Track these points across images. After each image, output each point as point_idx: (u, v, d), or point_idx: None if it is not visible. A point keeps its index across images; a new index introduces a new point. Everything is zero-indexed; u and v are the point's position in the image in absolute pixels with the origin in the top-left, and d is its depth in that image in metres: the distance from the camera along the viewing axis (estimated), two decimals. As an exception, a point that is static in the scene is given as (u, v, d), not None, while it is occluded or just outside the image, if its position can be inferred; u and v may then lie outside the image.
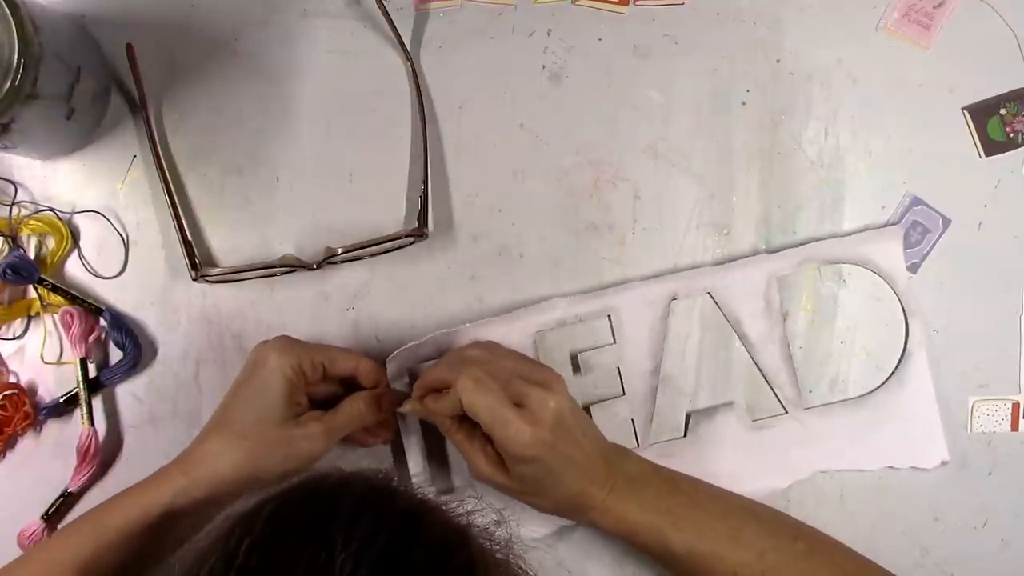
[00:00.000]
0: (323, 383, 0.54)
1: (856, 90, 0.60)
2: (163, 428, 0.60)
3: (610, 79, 0.60)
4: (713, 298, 0.58)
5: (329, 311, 0.60)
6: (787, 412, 0.59)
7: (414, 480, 0.57)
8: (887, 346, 0.59)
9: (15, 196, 0.59)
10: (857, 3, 0.60)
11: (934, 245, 0.59)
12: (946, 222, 0.59)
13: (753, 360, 0.59)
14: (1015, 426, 0.60)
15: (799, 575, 0.50)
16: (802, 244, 0.59)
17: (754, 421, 0.59)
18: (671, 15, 0.60)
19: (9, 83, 0.48)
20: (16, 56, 0.48)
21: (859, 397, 0.59)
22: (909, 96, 0.60)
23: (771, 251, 0.59)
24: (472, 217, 0.60)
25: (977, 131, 0.59)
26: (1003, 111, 0.59)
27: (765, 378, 0.59)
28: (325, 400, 0.54)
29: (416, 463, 0.57)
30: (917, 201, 0.59)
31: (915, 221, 0.59)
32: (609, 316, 0.58)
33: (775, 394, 0.59)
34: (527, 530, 0.57)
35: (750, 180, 0.60)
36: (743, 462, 0.58)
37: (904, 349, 0.59)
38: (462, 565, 0.35)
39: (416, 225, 0.58)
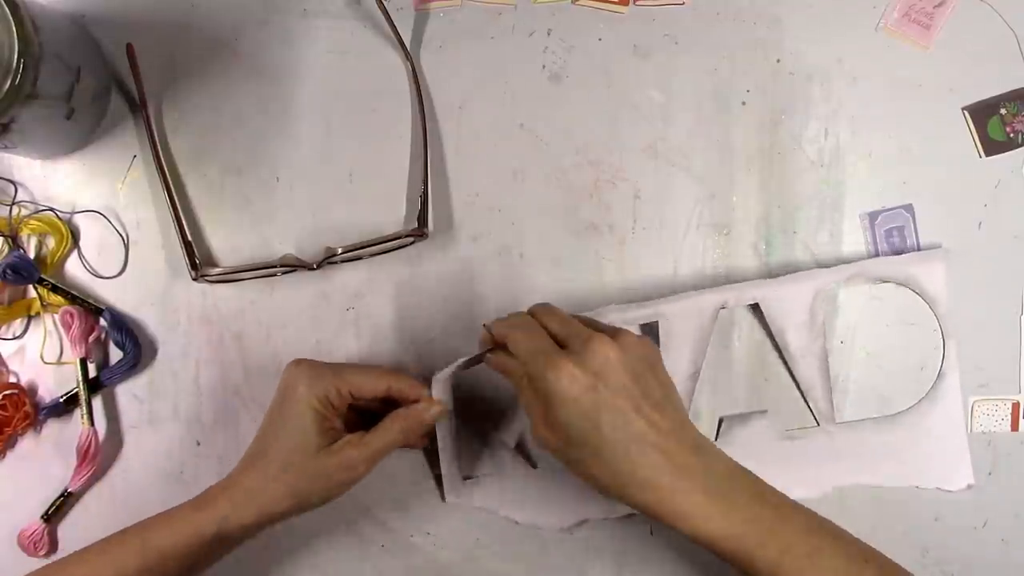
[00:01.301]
0: (360, 402, 0.54)
1: (856, 90, 0.60)
2: (163, 428, 0.60)
3: (610, 79, 0.60)
4: (760, 309, 0.59)
5: (329, 311, 0.60)
6: (819, 425, 0.59)
7: (445, 471, 0.58)
8: (921, 367, 0.60)
9: (15, 196, 0.59)
10: (857, 3, 0.60)
11: (916, 233, 0.60)
12: (908, 208, 0.60)
13: (790, 371, 0.59)
14: (1015, 426, 0.60)
15: None
16: (851, 261, 0.59)
17: (786, 431, 0.59)
18: (671, 15, 0.60)
19: (9, 83, 0.48)
20: (16, 56, 0.48)
21: (891, 416, 0.59)
22: (909, 96, 0.60)
23: (823, 265, 0.59)
24: (472, 217, 0.60)
25: (977, 131, 0.59)
26: (1003, 111, 0.59)
27: (800, 390, 0.59)
28: (373, 412, 0.54)
29: (448, 455, 0.57)
30: (874, 215, 0.59)
31: (887, 229, 0.59)
32: (657, 323, 0.58)
33: (809, 406, 0.59)
34: (549, 519, 0.58)
35: (750, 180, 0.60)
36: (772, 471, 0.57)
37: (940, 370, 0.59)
38: None
39: (416, 225, 0.58)
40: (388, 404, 0.54)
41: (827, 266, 0.59)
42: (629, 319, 0.58)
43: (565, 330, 0.48)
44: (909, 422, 0.59)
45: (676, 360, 0.59)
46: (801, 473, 0.59)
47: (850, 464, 0.59)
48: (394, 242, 0.58)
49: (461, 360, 0.53)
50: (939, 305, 0.59)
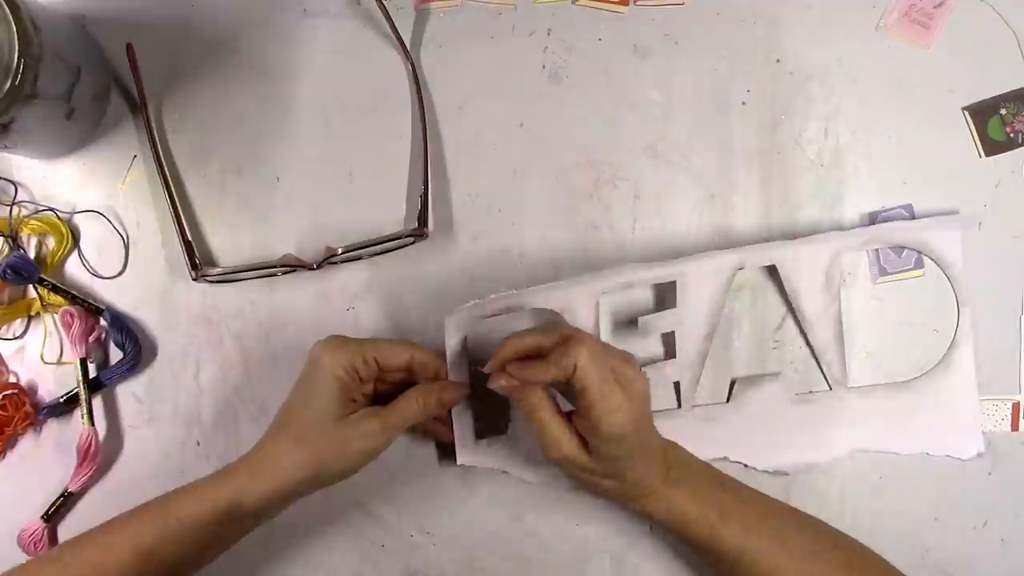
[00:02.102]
0: (383, 377, 0.54)
1: (856, 90, 0.60)
2: (163, 428, 0.60)
3: (610, 79, 0.60)
4: (777, 270, 0.59)
5: (329, 311, 0.60)
6: (831, 389, 0.59)
7: (457, 431, 0.57)
8: (935, 333, 0.60)
9: (15, 196, 0.59)
10: (857, 3, 0.60)
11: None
12: (908, 208, 0.60)
13: (804, 335, 0.59)
14: (1015, 426, 0.60)
15: None
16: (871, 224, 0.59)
17: (797, 395, 0.59)
18: (671, 15, 0.60)
19: (9, 83, 0.48)
20: (16, 56, 0.48)
21: (903, 382, 0.59)
22: (909, 96, 0.60)
23: (842, 228, 0.59)
24: (472, 217, 0.60)
25: (977, 131, 0.59)
26: (1003, 111, 0.59)
27: (814, 354, 0.59)
28: (393, 394, 0.54)
29: (460, 415, 0.57)
30: (874, 215, 0.60)
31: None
32: (675, 282, 0.58)
33: (822, 370, 0.59)
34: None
35: (750, 180, 0.60)
36: (782, 434, 0.59)
37: (953, 337, 0.59)
38: None
39: (416, 225, 0.58)
40: (412, 385, 0.55)
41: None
42: (647, 278, 0.58)
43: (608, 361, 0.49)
44: (921, 389, 0.59)
45: (692, 320, 0.58)
46: (811, 436, 0.59)
47: (861, 429, 0.59)
48: (394, 242, 0.58)
49: (473, 302, 0.54)
50: (953, 271, 0.59)
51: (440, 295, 0.60)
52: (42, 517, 0.58)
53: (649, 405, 0.50)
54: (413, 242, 0.59)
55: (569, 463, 0.50)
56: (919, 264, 0.59)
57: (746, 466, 0.58)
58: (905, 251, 0.59)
